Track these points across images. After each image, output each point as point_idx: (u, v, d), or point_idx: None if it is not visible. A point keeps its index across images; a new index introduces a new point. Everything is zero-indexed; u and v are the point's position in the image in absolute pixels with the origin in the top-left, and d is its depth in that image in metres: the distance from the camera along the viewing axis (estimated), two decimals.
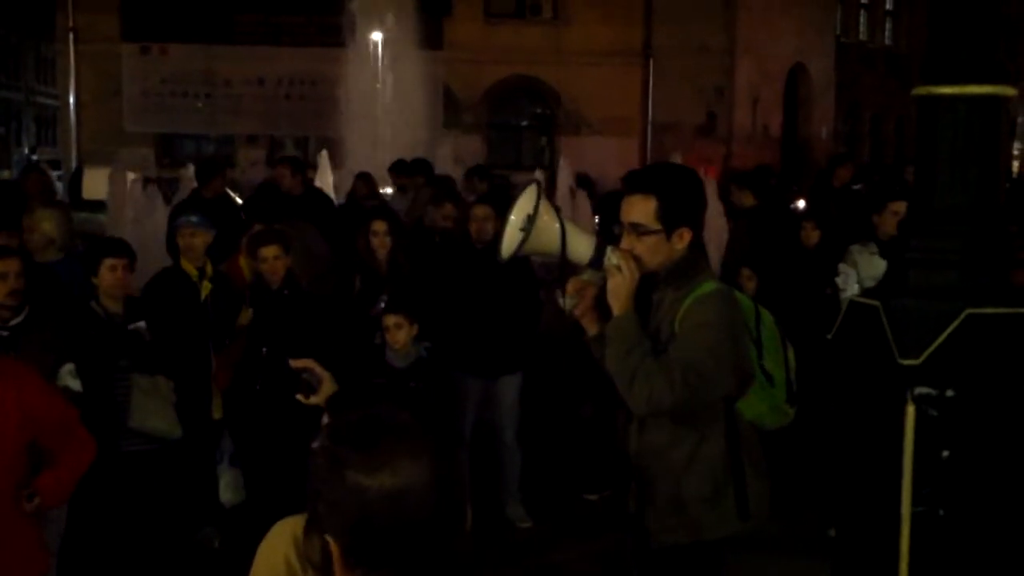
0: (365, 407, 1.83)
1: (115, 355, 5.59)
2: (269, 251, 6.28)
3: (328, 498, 1.72)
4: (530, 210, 3.44)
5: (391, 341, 5.88)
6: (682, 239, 3.45)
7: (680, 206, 3.45)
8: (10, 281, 4.98)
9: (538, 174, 17.76)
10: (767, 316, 3.67)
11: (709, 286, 3.45)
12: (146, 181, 15.49)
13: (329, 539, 1.73)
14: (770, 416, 3.60)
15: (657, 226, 3.42)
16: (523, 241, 3.42)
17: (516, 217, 3.47)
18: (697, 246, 3.51)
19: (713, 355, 3.32)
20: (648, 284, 3.50)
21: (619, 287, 3.40)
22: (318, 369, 2.87)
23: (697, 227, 3.51)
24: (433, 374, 5.95)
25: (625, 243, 3.47)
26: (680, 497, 3.51)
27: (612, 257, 3.41)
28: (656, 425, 3.51)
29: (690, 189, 3.54)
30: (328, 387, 2.85)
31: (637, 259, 3.43)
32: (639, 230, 3.44)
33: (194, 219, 6.48)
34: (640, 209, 3.44)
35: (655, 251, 3.44)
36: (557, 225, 3.46)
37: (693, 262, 3.49)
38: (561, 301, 3.56)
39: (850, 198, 10.53)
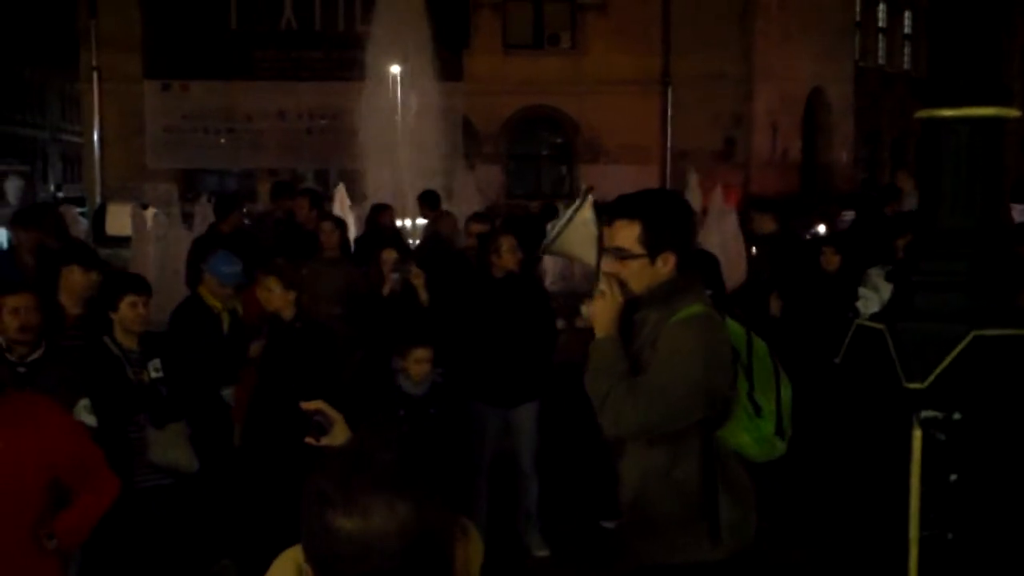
0: (362, 442, 1.81)
1: (132, 410, 5.62)
2: (265, 283, 6.39)
3: (306, 528, 1.72)
4: (576, 210, 3.54)
5: (416, 373, 5.90)
6: (667, 263, 3.47)
7: (664, 231, 3.48)
8: (21, 316, 5.02)
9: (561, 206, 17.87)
10: (760, 346, 3.63)
11: (694, 309, 3.45)
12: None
13: (307, 567, 1.75)
14: (754, 447, 3.56)
15: (641, 250, 3.46)
16: (558, 235, 3.50)
17: (564, 217, 3.57)
18: (685, 269, 3.51)
19: (685, 381, 3.34)
20: (633, 307, 3.53)
21: (603, 310, 3.46)
22: (330, 411, 2.81)
23: (683, 251, 3.52)
24: (450, 399, 5.99)
25: (610, 267, 3.50)
26: (655, 517, 3.55)
27: (600, 282, 3.46)
28: (634, 447, 3.57)
29: (675, 214, 3.58)
30: (340, 429, 2.78)
31: (622, 284, 3.46)
32: (623, 254, 3.47)
33: (239, 271, 6.52)
34: (624, 234, 3.48)
35: (639, 275, 3.47)
36: (596, 232, 3.52)
37: (679, 285, 3.50)
38: (584, 310, 3.62)
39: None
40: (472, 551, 2.10)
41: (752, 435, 3.53)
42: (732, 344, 3.52)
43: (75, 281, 6.06)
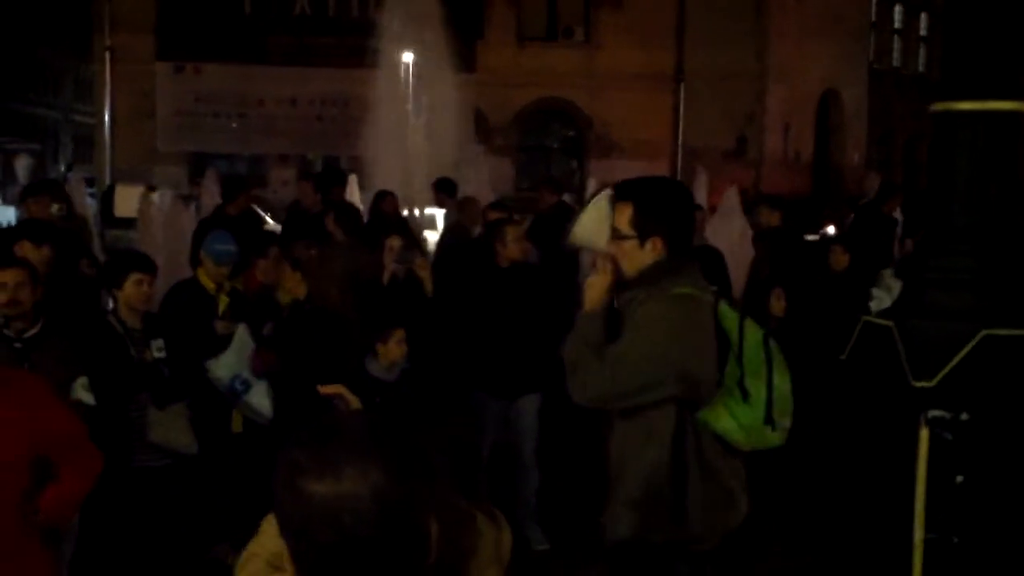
0: (333, 416, 1.80)
1: (134, 388, 5.58)
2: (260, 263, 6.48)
3: (279, 500, 1.70)
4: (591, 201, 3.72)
5: (397, 354, 5.92)
6: (655, 248, 3.56)
7: (654, 215, 3.58)
8: (10, 291, 4.97)
9: (567, 198, 17.82)
10: (752, 334, 3.63)
11: (682, 291, 3.52)
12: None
13: (284, 542, 1.71)
14: (739, 433, 3.53)
15: (631, 232, 3.56)
16: (572, 223, 3.62)
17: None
18: (676, 256, 3.59)
19: (645, 352, 3.43)
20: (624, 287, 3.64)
21: (593, 285, 3.62)
22: (348, 395, 2.81)
23: (673, 237, 3.58)
24: (419, 383, 6.02)
25: (609, 247, 3.63)
26: (622, 494, 3.63)
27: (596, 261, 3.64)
28: (616, 424, 3.66)
29: (667, 200, 3.68)
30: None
31: (616, 263, 3.59)
32: (616, 235, 3.60)
33: (233, 250, 6.50)
34: (619, 216, 3.60)
35: (630, 256, 3.58)
36: (609, 223, 3.63)
37: (668, 268, 3.57)
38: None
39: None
40: (504, 538, 2.10)
41: (738, 421, 3.53)
42: (724, 330, 3.54)
43: (26, 257, 6.01)
